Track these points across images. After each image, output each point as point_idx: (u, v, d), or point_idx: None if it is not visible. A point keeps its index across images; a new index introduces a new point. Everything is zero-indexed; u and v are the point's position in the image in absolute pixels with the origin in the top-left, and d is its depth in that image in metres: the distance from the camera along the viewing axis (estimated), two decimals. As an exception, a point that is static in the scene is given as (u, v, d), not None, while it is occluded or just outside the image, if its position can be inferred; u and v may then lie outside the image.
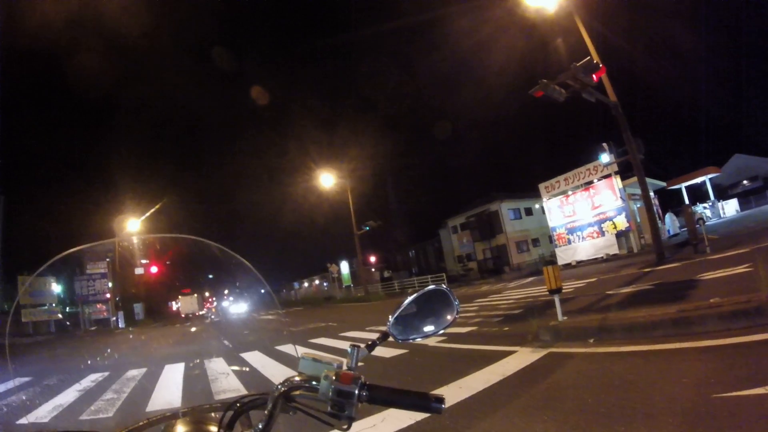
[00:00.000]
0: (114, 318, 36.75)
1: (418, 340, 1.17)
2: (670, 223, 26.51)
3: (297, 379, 0.99)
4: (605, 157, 22.18)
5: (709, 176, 31.33)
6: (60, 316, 33.82)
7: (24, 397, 5.99)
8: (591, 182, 23.96)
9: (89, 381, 7.91)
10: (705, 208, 29.95)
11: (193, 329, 23.90)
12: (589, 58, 13.98)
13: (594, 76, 13.85)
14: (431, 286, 1.17)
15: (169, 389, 6.61)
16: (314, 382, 0.95)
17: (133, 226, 34.80)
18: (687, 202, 29.93)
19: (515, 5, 16.03)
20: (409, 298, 1.15)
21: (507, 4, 16.70)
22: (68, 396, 6.75)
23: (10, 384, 6.95)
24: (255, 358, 8.71)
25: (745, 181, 35.66)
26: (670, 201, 33.09)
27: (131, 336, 24.47)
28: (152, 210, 34.21)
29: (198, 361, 9.01)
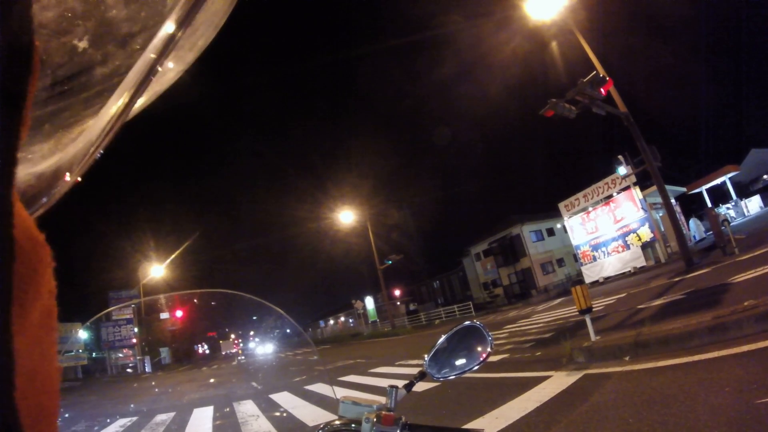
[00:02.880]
0: (140, 362, 36.94)
1: (454, 377, 1.20)
2: (695, 228, 25.94)
3: (338, 422, 1.01)
4: (622, 169, 22.02)
5: (729, 175, 30.66)
6: (86, 362, 34.11)
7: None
8: (611, 196, 23.74)
9: (118, 426, 7.93)
10: (728, 208, 29.26)
11: (221, 372, 23.81)
12: (594, 72, 14.06)
13: (602, 89, 13.91)
14: (466, 323, 1.21)
15: (199, 433, 6.59)
16: (355, 425, 0.97)
17: (157, 271, 35.18)
18: (709, 204, 29.31)
19: (520, 28, 16.41)
20: (443, 337, 1.19)
21: (512, 27, 17.10)
22: (98, 442, 6.76)
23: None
24: (285, 399, 8.64)
25: (765, 176, 34.72)
26: (692, 205, 32.46)
27: (158, 380, 24.47)
28: (175, 254, 34.63)
29: (226, 404, 8.96)
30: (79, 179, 0.48)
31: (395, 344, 20.70)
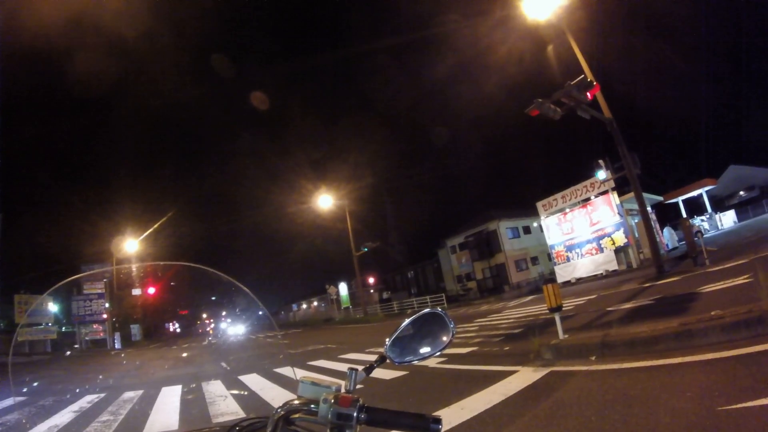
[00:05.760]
0: (110, 339, 36.36)
1: (415, 362, 1.19)
2: (669, 237, 26.51)
3: (296, 402, 1.00)
4: (602, 174, 22.28)
5: (706, 188, 31.51)
6: (56, 336, 33.50)
7: (20, 417, 5.88)
8: (588, 199, 24.03)
9: (85, 402, 7.77)
10: (703, 220, 30.01)
11: (191, 351, 23.61)
12: (582, 76, 14.18)
13: (588, 93, 14.02)
14: (427, 309, 1.20)
15: (166, 412, 6.49)
16: (313, 405, 0.96)
17: (131, 246, 34.54)
18: (684, 215, 30.02)
19: (510, 26, 16.41)
20: (406, 322, 1.18)
21: (503, 26, 17.10)
22: (64, 417, 6.60)
23: (8, 402, 6.78)
24: (253, 381, 8.58)
25: (741, 192, 35.81)
26: (668, 214, 33.18)
27: (128, 357, 24.16)
28: (150, 230, 34.00)
29: (195, 383, 8.86)
30: None
31: (366, 331, 20.79)
